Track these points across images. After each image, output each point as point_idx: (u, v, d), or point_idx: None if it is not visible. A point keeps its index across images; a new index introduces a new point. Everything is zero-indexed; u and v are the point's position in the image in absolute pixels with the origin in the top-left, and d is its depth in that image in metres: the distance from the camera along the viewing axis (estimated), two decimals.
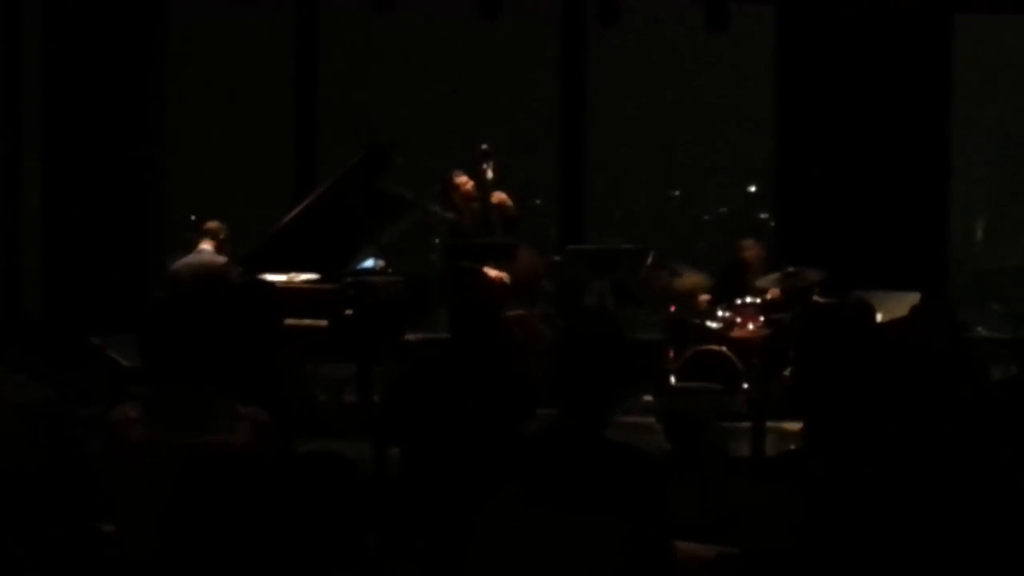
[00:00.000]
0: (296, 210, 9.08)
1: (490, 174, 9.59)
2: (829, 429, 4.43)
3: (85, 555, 4.10)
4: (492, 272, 9.28)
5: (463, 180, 9.73)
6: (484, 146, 9.66)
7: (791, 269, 9.83)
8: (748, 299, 10.02)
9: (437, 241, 10.28)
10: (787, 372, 9.57)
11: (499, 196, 9.64)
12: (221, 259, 9.87)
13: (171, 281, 10.04)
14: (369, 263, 9.46)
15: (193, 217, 11.72)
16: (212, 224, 10.17)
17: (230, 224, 10.40)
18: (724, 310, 9.98)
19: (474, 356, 5.63)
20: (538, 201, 15.03)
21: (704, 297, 10.34)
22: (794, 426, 8.19)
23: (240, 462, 3.86)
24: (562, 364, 3.76)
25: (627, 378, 3.79)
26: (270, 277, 8.64)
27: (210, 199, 14.88)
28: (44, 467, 4.32)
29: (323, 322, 8.62)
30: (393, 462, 5.78)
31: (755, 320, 9.87)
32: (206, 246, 10.07)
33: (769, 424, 8.35)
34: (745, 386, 9.36)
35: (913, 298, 8.80)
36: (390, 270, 9.29)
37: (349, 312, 8.63)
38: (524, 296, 9.56)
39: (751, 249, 10.68)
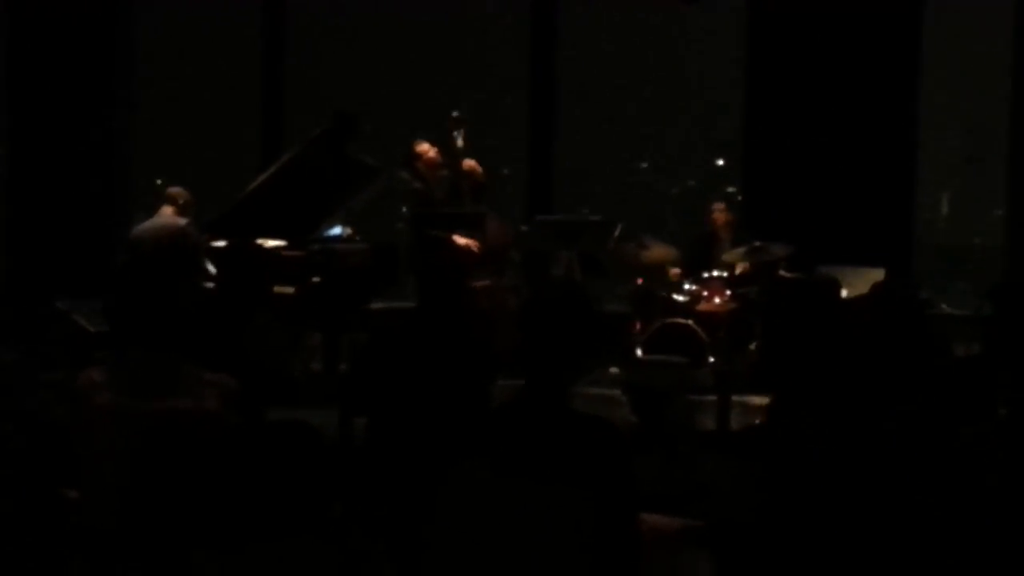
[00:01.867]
0: (264, 175, 9.04)
1: (460, 142, 9.56)
2: (794, 403, 4.45)
3: (49, 521, 4.09)
4: (462, 240, 9.27)
5: (425, 148, 9.65)
6: (455, 114, 9.63)
7: (758, 244, 9.86)
8: (715, 273, 10.05)
9: (404, 209, 10.24)
10: (753, 346, 9.61)
11: (469, 163, 9.63)
12: (181, 221, 9.84)
13: (132, 245, 10.01)
14: (336, 231, 9.44)
15: (159, 182, 11.66)
16: (173, 189, 10.19)
17: (197, 190, 10.38)
18: (691, 283, 10.00)
19: (440, 325, 5.62)
20: (506, 171, 15.01)
21: (675, 270, 10.36)
22: (759, 400, 8.24)
23: (206, 429, 3.86)
24: (528, 334, 3.76)
25: (593, 349, 3.80)
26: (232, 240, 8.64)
27: (178, 164, 14.79)
28: (6, 432, 4.30)
29: (290, 289, 8.60)
30: (359, 430, 5.78)
31: (721, 294, 9.90)
32: (166, 210, 10.08)
33: (734, 398, 8.39)
34: (711, 359, 9.40)
35: (878, 274, 8.84)
36: (357, 238, 9.27)
37: (316, 279, 8.61)
38: (492, 266, 9.55)
39: (721, 213, 10.71)
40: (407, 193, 9.71)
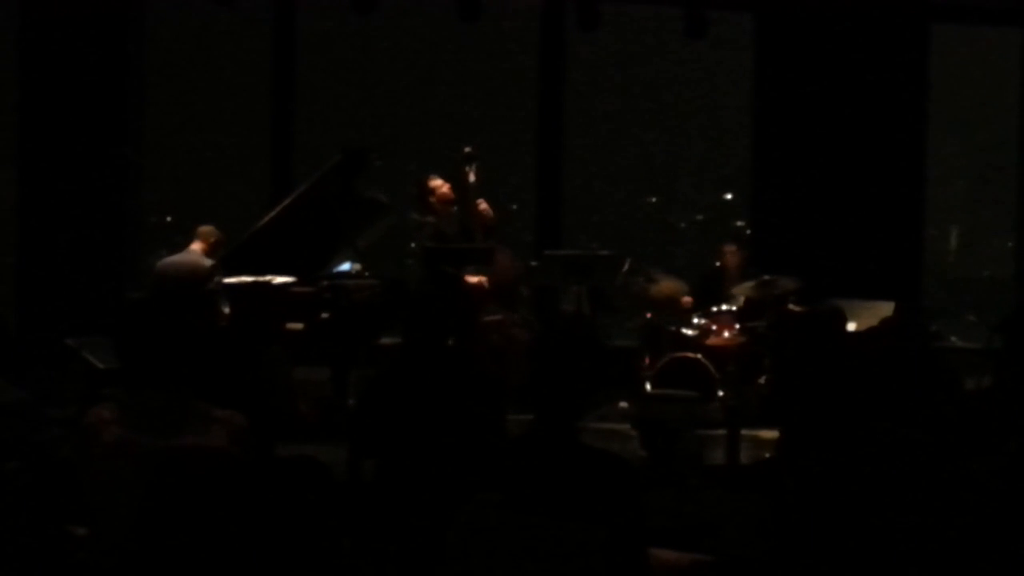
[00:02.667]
0: (273, 212, 9.05)
1: (472, 177, 9.55)
2: (803, 437, 4.44)
3: (56, 558, 4.08)
4: (472, 277, 9.27)
5: (439, 184, 9.66)
6: (467, 149, 9.61)
7: (766, 277, 9.85)
8: (724, 307, 10.03)
9: (414, 245, 10.25)
10: (762, 380, 9.59)
11: (481, 206, 9.61)
12: (207, 262, 9.87)
13: (155, 279, 10.04)
14: (345, 266, 9.44)
15: (168, 219, 11.68)
16: (205, 228, 10.25)
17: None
18: (700, 317, 9.99)
19: (447, 360, 5.61)
20: (515, 206, 15.03)
21: (687, 299, 10.33)
22: (769, 434, 8.22)
23: (214, 465, 3.85)
24: (538, 369, 3.76)
25: (602, 383, 3.79)
26: (245, 279, 8.66)
27: (187, 201, 14.84)
28: (15, 468, 4.29)
29: (299, 325, 8.60)
30: (368, 466, 5.76)
31: (730, 328, 9.88)
32: (195, 247, 10.12)
33: (744, 432, 8.36)
34: (720, 393, 9.37)
35: (888, 307, 8.85)
36: (366, 274, 9.27)
37: (325, 315, 8.61)
38: (502, 300, 9.54)
39: (732, 254, 10.69)
40: (418, 228, 9.71)
